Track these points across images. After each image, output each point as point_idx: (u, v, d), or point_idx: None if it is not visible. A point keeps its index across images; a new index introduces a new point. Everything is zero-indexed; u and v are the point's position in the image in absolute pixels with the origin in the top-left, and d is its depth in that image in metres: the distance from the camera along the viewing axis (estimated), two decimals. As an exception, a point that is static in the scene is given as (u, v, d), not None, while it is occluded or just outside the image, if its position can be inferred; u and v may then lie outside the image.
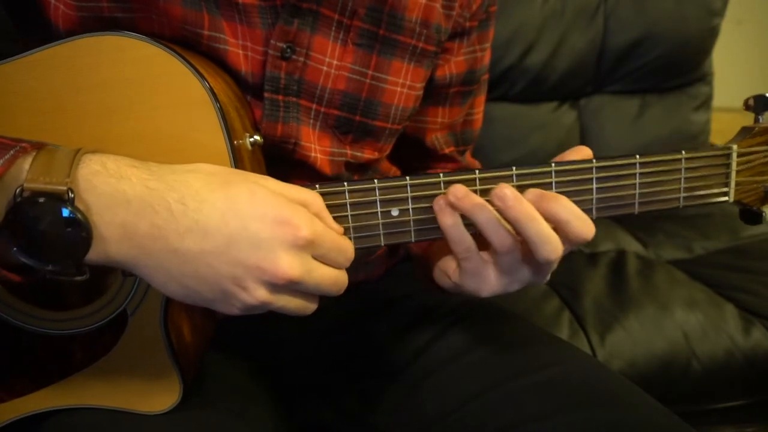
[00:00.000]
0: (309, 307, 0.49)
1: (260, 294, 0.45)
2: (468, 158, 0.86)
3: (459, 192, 0.51)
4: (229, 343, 0.70)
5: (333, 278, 0.48)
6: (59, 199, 0.42)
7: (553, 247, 0.51)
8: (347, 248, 0.50)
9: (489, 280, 0.56)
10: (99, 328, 0.54)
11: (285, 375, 0.75)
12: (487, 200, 0.51)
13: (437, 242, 0.64)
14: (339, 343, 0.75)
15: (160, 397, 0.55)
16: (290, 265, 0.44)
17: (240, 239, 0.44)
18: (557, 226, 0.51)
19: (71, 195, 0.42)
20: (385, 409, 0.68)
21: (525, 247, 0.52)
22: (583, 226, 0.52)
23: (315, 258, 0.47)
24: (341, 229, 0.51)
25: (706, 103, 1.58)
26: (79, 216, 0.42)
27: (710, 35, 1.50)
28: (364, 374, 0.72)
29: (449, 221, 0.52)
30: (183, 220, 0.43)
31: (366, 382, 0.72)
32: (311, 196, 0.49)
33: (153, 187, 0.44)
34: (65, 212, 0.42)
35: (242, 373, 0.69)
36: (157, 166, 0.45)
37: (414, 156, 0.82)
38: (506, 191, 0.50)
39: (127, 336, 0.54)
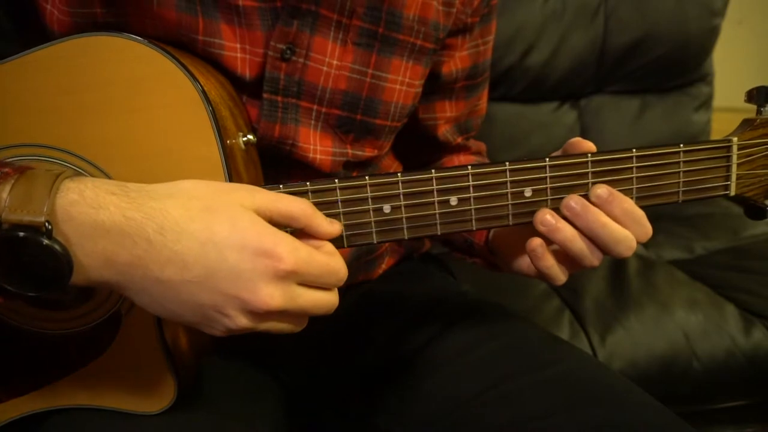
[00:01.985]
0: (297, 328, 0.49)
1: (242, 321, 0.45)
2: (472, 141, 0.88)
3: (550, 225, 0.54)
4: (228, 343, 0.70)
5: (320, 301, 0.48)
6: (38, 231, 0.42)
7: (626, 245, 0.54)
8: (337, 269, 0.48)
9: (565, 276, 0.57)
10: (94, 328, 0.54)
11: (285, 375, 0.75)
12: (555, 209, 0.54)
13: (503, 235, 0.67)
14: (339, 343, 0.75)
15: (156, 398, 0.55)
16: (271, 295, 0.44)
17: (220, 270, 0.44)
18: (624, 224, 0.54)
19: (49, 227, 0.42)
20: (386, 409, 0.68)
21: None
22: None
23: (301, 284, 0.46)
24: (338, 230, 0.50)
25: (706, 103, 1.57)
26: (57, 248, 0.42)
27: (711, 35, 1.50)
28: (365, 374, 0.72)
29: (549, 262, 0.56)
30: (163, 251, 0.43)
31: (366, 381, 0.71)
32: (299, 208, 0.48)
33: (131, 217, 0.43)
34: (44, 244, 0.42)
35: (242, 374, 0.69)
36: (136, 191, 0.45)
37: (428, 150, 0.83)
38: (571, 202, 0.53)
39: (121, 336, 0.54)
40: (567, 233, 0.53)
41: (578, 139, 0.57)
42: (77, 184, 0.44)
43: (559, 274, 0.56)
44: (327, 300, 0.48)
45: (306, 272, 0.46)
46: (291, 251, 0.45)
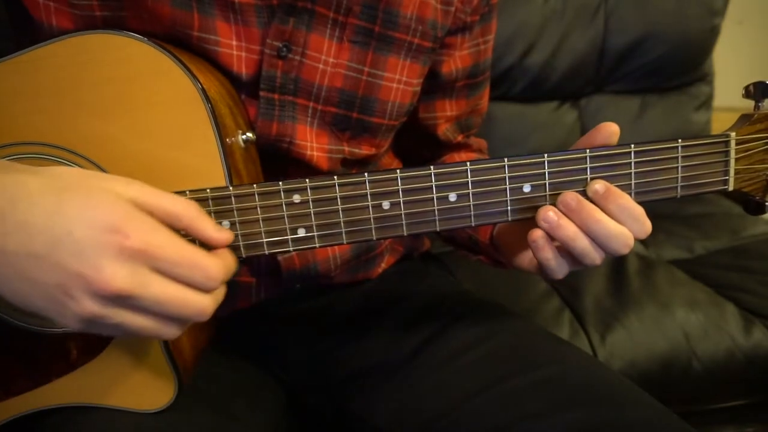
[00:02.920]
0: (162, 330, 0.44)
1: (89, 305, 0.41)
2: (473, 138, 0.88)
3: (552, 222, 0.53)
4: (227, 343, 0.70)
5: (179, 297, 0.43)
6: None
7: (621, 242, 0.53)
8: (204, 265, 0.44)
9: (564, 271, 0.57)
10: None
11: (285, 375, 0.74)
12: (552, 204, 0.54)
13: (506, 231, 0.67)
14: (338, 342, 0.75)
15: (155, 396, 0.55)
16: (114, 275, 0.40)
17: (64, 244, 0.41)
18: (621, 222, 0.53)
19: None
20: (385, 408, 0.68)
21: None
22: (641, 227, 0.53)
23: (158, 272, 0.43)
24: (226, 237, 0.47)
25: (706, 103, 1.58)
26: None
27: (711, 35, 1.50)
28: (364, 374, 0.72)
29: (549, 255, 0.55)
30: (8, 220, 0.41)
31: (366, 381, 0.71)
32: (182, 206, 0.45)
33: None
34: None
35: (242, 374, 0.69)
36: (3, 165, 0.43)
37: (428, 148, 0.83)
38: (566, 198, 0.53)
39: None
40: (569, 231, 0.53)
41: (606, 123, 0.56)
42: None
43: (559, 268, 0.56)
44: (191, 299, 0.44)
45: (159, 256, 0.42)
46: (142, 229, 0.42)
